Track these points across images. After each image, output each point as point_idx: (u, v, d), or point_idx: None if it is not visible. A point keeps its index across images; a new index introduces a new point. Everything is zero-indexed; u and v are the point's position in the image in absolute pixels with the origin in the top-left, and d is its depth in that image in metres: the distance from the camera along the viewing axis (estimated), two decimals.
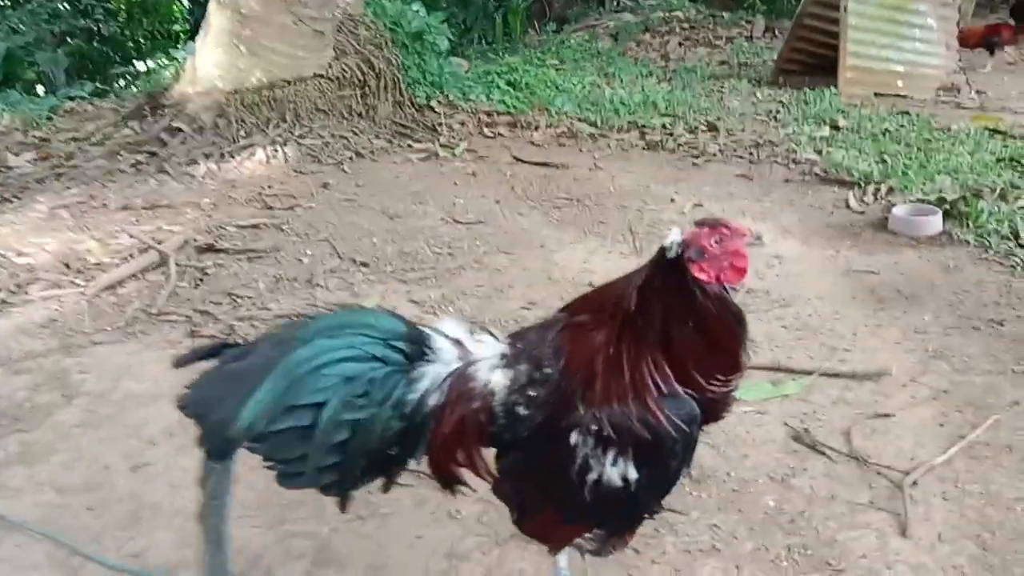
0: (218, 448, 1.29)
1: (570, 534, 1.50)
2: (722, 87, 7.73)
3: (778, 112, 6.61)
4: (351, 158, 5.19)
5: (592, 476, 1.32)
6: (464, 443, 1.41)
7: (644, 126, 6.10)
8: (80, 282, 3.39)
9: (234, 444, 1.27)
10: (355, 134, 5.48)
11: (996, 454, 2.37)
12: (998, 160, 5.10)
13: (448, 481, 1.47)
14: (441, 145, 5.53)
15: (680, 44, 10.35)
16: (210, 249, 3.73)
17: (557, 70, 7.92)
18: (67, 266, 3.54)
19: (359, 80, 5.65)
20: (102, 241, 3.80)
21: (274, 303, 3.26)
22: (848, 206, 4.50)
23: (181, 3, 12.05)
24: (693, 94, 7.30)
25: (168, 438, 2.37)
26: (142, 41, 11.27)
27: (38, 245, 3.73)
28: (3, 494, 2.17)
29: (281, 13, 5.23)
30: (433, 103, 6.29)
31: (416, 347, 1.40)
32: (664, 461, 1.34)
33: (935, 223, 4.01)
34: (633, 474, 1.32)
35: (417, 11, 6.71)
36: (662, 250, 1.34)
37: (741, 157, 5.43)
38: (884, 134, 5.85)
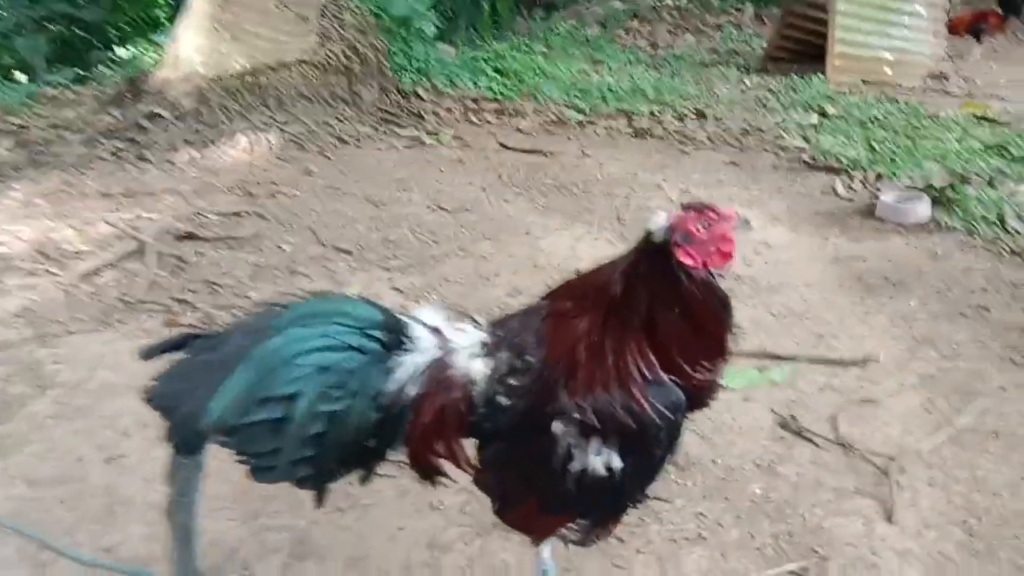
0: (187, 442, 1.24)
1: (553, 524, 1.48)
2: (711, 74, 7.69)
3: (767, 99, 6.58)
4: (335, 145, 5.11)
5: (576, 466, 1.29)
6: (444, 434, 1.37)
7: (632, 113, 6.06)
8: (56, 271, 3.32)
9: (204, 438, 1.23)
10: (339, 121, 5.40)
11: (982, 440, 2.37)
12: (986, 147, 5.10)
13: (428, 473, 1.43)
14: (427, 132, 5.45)
15: (669, 31, 10.29)
16: (190, 237, 3.67)
17: (545, 57, 7.85)
18: (43, 255, 3.46)
19: (343, 66, 5.56)
20: (80, 229, 3.72)
21: (254, 291, 3.21)
22: (836, 193, 4.49)
23: None
24: (682, 81, 7.27)
25: (142, 429, 2.31)
26: (124, 27, 11.09)
27: (13, 233, 3.65)
28: None
29: None
30: (419, 90, 6.21)
31: (394, 336, 1.35)
32: (649, 449, 1.32)
33: (923, 210, 4.00)
34: (617, 463, 1.29)
35: None
36: (648, 234, 1.31)
37: (729, 144, 5.41)
38: (872, 121, 5.84)
